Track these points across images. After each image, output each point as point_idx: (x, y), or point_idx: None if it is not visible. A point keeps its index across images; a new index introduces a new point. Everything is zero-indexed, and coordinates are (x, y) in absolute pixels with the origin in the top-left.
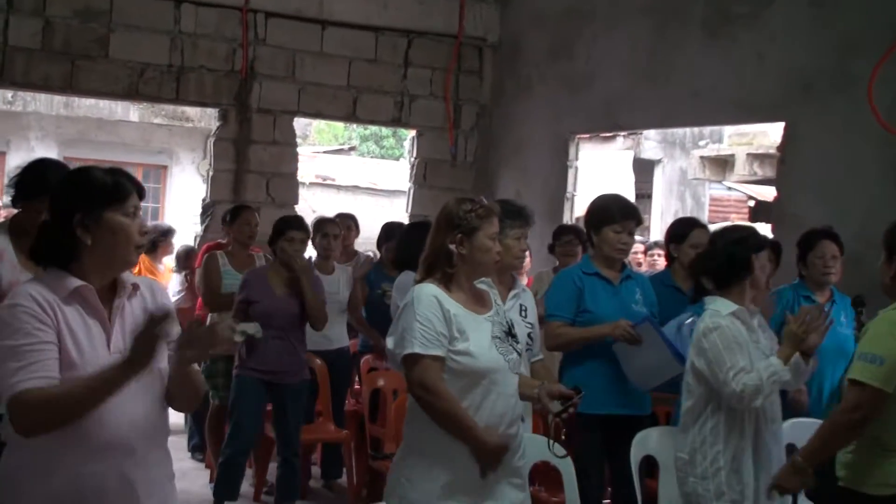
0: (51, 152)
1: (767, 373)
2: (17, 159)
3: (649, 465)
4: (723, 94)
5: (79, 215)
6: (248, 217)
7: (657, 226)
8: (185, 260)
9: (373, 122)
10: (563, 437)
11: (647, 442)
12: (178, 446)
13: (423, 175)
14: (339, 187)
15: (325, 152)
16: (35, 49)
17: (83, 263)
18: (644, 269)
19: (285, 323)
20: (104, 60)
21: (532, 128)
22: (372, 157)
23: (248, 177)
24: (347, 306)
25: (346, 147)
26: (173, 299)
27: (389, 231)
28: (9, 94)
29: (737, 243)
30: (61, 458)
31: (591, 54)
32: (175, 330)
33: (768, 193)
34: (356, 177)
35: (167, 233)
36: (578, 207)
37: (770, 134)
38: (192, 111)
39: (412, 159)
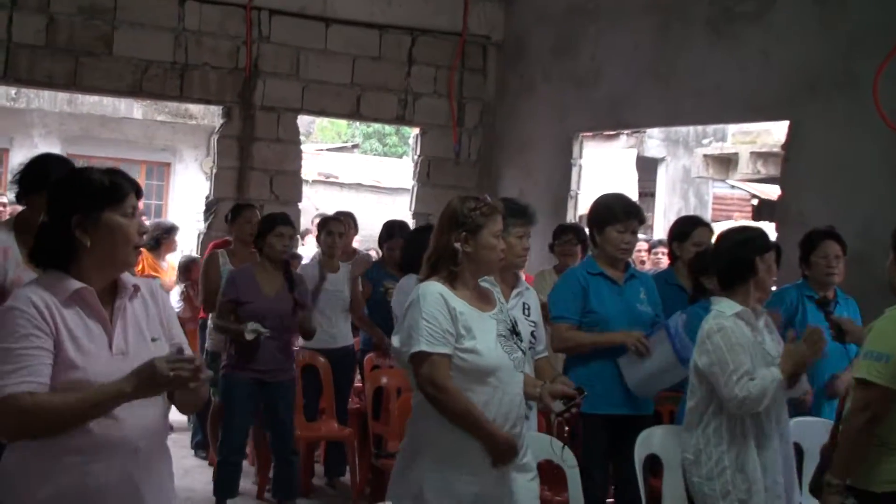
0: (54, 149)
1: (770, 386)
2: (20, 156)
3: (653, 464)
4: (727, 93)
5: (77, 217)
6: (249, 215)
7: (660, 224)
8: (186, 272)
9: (377, 120)
10: (566, 436)
11: (650, 441)
12: (181, 444)
13: (427, 173)
14: (342, 185)
15: (328, 150)
16: (39, 46)
17: (82, 265)
18: (648, 267)
19: (277, 322)
20: (108, 57)
21: (536, 126)
22: (375, 154)
23: (252, 174)
24: (350, 305)
25: (349, 145)
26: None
27: (390, 229)
28: (12, 90)
29: (741, 245)
30: (65, 458)
31: (596, 52)
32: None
33: (772, 192)
34: (359, 175)
35: (170, 230)
36: (582, 206)
37: (773, 132)
38: (195, 108)
39: (416, 157)
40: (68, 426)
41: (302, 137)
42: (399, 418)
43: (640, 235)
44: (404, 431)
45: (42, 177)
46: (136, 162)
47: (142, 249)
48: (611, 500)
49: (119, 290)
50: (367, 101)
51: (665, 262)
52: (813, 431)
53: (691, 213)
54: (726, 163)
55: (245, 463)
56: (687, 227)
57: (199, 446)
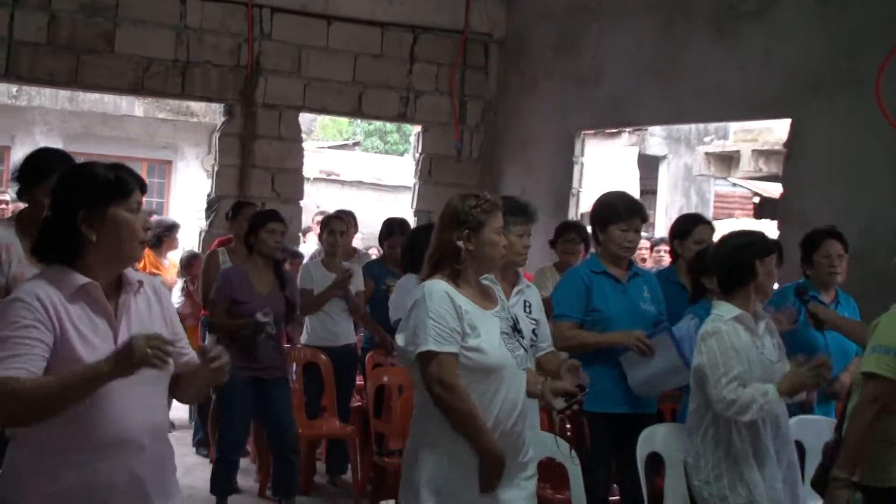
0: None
1: (761, 399)
2: (21, 154)
3: (656, 463)
4: (729, 91)
5: (83, 212)
6: (249, 213)
7: (662, 222)
8: (187, 267)
9: (378, 118)
10: (567, 434)
11: (653, 439)
12: (182, 441)
13: (429, 171)
14: (342, 183)
15: (329, 147)
16: (40, 43)
17: (87, 260)
18: (649, 265)
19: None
20: (109, 55)
21: (538, 123)
22: (376, 152)
23: (254, 172)
24: (349, 307)
25: (350, 142)
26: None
27: (390, 227)
28: (13, 88)
29: (741, 249)
30: (72, 456)
31: (598, 50)
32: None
33: (773, 190)
34: (360, 172)
35: (172, 228)
36: (583, 203)
37: (775, 130)
38: (196, 106)
39: (417, 155)
40: (50, 408)
41: (303, 135)
42: (401, 416)
43: (642, 234)
44: (406, 429)
45: (41, 169)
46: (138, 160)
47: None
48: (613, 498)
49: (123, 285)
50: (369, 99)
51: (667, 260)
52: (815, 429)
53: (693, 211)
54: (728, 161)
55: (247, 461)
56: (688, 225)
57: (201, 444)
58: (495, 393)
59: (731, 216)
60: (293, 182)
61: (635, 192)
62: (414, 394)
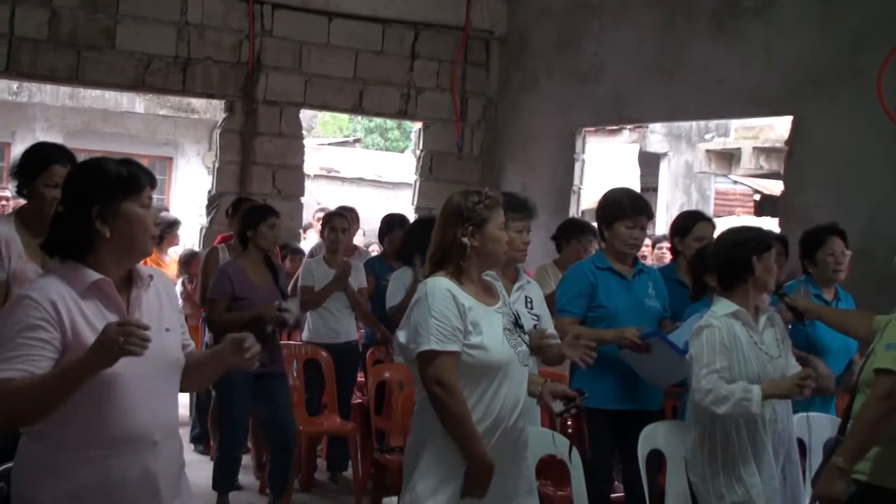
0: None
1: (740, 395)
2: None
3: (659, 460)
4: (731, 88)
5: (97, 208)
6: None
7: (662, 219)
8: (186, 265)
9: (379, 115)
10: (568, 431)
11: (654, 436)
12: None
13: (430, 168)
14: (343, 179)
15: (329, 144)
16: (41, 39)
17: (100, 255)
18: (650, 262)
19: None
20: (110, 51)
21: (539, 121)
22: (377, 149)
23: (254, 169)
24: (351, 305)
25: (350, 139)
26: None
27: (390, 223)
28: (14, 84)
29: (738, 246)
30: (85, 452)
31: (599, 47)
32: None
33: (774, 187)
34: (361, 169)
35: (173, 224)
36: (585, 201)
37: (776, 128)
38: (197, 103)
39: (418, 152)
40: (41, 406)
41: (304, 132)
42: (402, 413)
43: None
44: (407, 426)
45: (40, 162)
46: (138, 156)
47: None
48: (615, 495)
49: (135, 280)
50: (370, 96)
51: (669, 257)
52: (817, 427)
53: (693, 208)
54: (729, 158)
55: (247, 457)
56: (688, 222)
57: (198, 440)
58: (498, 389)
59: (731, 214)
60: (294, 179)
61: (636, 190)
62: (415, 390)
